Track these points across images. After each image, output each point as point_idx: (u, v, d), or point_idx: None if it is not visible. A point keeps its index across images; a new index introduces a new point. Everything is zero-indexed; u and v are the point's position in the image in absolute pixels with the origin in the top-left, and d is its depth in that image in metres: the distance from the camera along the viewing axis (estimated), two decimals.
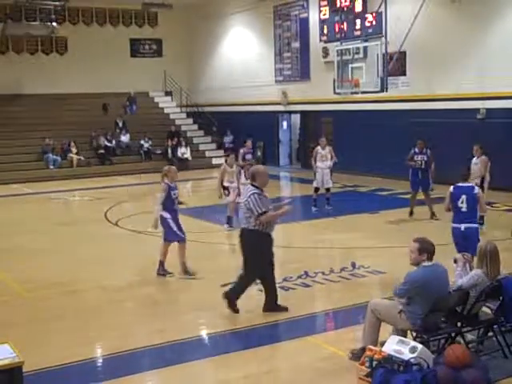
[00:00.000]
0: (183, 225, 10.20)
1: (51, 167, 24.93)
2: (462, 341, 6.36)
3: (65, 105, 28.22)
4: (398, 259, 11.32)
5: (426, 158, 14.40)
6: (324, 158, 15.59)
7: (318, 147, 15.74)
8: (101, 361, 6.98)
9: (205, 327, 7.99)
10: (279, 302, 8.23)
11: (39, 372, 6.40)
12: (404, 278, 6.29)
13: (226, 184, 13.69)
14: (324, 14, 23.06)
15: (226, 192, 13.67)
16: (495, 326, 6.65)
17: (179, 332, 7.55)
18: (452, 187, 9.02)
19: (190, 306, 8.70)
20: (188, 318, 8.18)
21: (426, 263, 6.20)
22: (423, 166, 14.44)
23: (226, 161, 14.25)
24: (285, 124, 27.64)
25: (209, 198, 19.47)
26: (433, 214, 14.10)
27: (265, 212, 7.76)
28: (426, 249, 6.21)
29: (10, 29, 28.08)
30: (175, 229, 10.01)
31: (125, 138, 27.29)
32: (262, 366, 6.80)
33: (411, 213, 14.53)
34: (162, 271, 10.12)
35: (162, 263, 10.15)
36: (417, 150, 14.59)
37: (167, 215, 9.97)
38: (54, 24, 28.48)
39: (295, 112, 26.47)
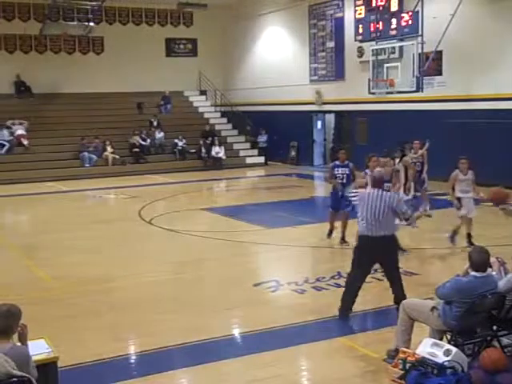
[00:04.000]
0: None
1: (87, 165, 25.22)
2: (497, 345, 6.26)
3: (100, 104, 28.54)
4: (430, 261, 11.25)
5: (347, 171, 12.18)
6: None
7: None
8: (134, 358, 7.03)
9: (237, 326, 8.00)
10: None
11: (73, 367, 6.47)
12: (451, 281, 6.14)
13: (458, 195, 11.53)
14: (359, 14, 22.91)
15: (459, 204, 11.50)
16: None
17: (212, 330, 7.57)
18: None
19: (223, 305, 8.71)
20: (221, 316, 8.19)
21: (479, 274, 6.06)
22: (345, 181, 12.14)
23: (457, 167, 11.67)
24: (319, 124, 27.54)
25: (243, 197, 19.55)
26: (342, 239, 12.10)
27: None
28: (470, 257, 6.11)
29: (48, 29, 28.51)
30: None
31: (159, 137, 27.48)
32: (294, 366, 6.78)
33: (330, 233, 12.51)
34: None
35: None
36: (338, 162, 12.40)
37: None
38: (91, 24, 28.86)
39: (329, 112, 26.36)
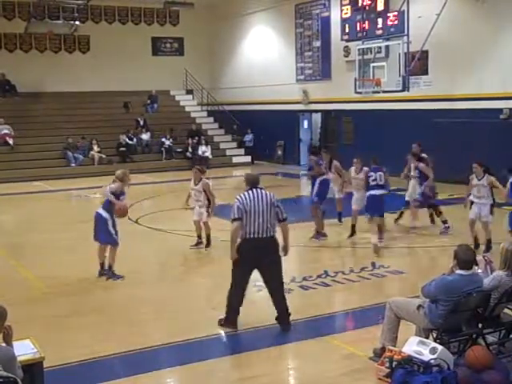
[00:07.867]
0: None
1: (73, 165, 25.10)
2: (483, 342, 6.30)
3: (86, 103, 28.38)
4: (418, 259, 11.30)
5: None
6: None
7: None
8: (119, 358, 6.99)
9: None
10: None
11: (59, 368, 6.44)
12: (436, 279, 6.15)
13: (471, 199, 11.33)
14: (346, 13, 22.93)
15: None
16: None
17: (198, 330, 7.56)
18: None
19: (209, 304, 8.71)
20: (207, 316, 8.17)
21: (464, 272, 6.08)
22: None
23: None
24: (305, 123, 27.58)
25: (230, 196, 19.50)
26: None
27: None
28: (456, 255, 6.13)
29: (33, 27, 28.33)
30: None
31: (146, 136, 27.41)
32: (280, 365, 6.79)
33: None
34: None
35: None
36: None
37: None
38: (77, 22, 28.73)
39: (316, 111, 26.40)
